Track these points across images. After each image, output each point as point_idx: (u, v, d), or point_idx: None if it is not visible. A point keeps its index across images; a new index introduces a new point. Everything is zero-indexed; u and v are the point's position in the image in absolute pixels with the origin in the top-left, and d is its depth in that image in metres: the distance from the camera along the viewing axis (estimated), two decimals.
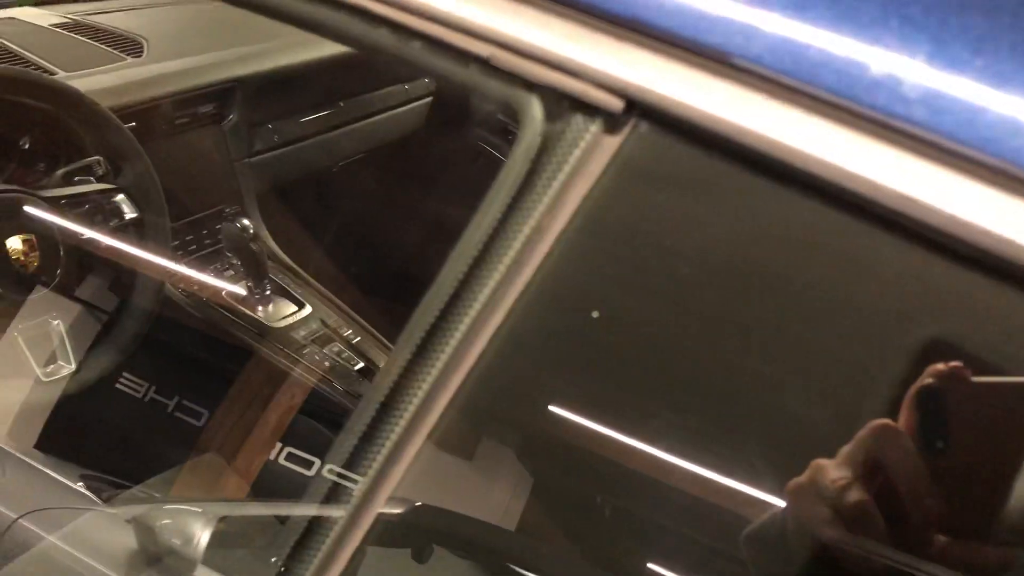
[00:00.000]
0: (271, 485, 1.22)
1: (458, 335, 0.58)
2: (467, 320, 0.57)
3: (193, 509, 1.08)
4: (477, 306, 0.57)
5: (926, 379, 0.54)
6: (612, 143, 0.53)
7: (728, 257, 0.58)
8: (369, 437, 0.63)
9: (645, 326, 0.64)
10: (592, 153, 0.53)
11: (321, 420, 1.29)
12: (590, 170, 0.53)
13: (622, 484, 0.69)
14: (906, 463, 0.54)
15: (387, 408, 0.61)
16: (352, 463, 0.64)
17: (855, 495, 0.54)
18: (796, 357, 0.60)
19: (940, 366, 0.53)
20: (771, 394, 0.61)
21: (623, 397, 0.66)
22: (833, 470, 0.55)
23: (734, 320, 0.60)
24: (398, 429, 0.61)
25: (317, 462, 1.25)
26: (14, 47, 1.41)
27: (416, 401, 0.59)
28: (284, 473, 1.23)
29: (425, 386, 0.59)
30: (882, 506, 0.54)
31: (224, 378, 1.30)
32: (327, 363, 1.44)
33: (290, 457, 1.26)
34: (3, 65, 1.31)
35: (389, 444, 0.60)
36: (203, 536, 1.05)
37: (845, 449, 0.55)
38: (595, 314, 0.61)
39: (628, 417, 0.65)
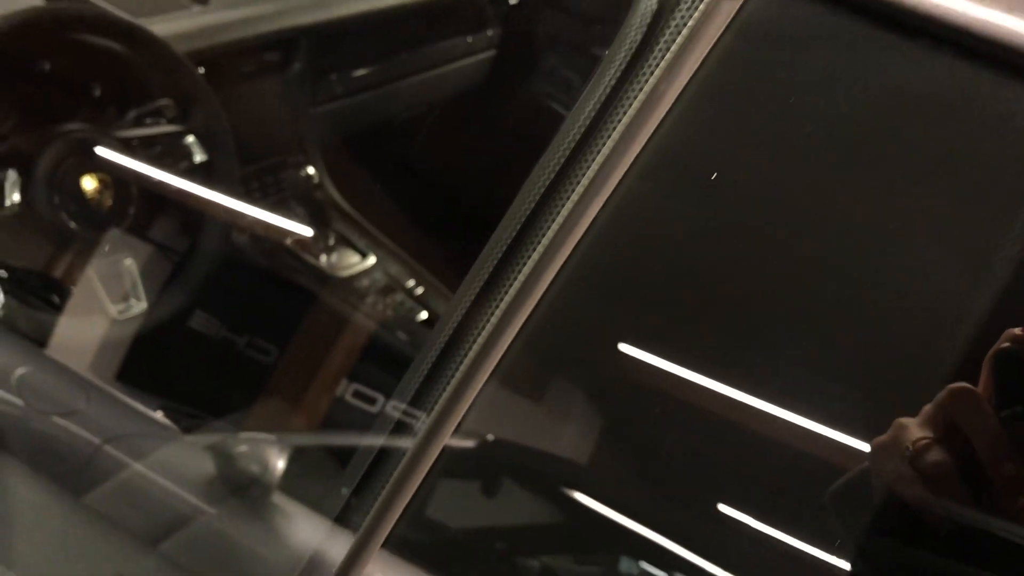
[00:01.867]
0: (339, 421, 1.23)
1: (536, 254, 0.57)
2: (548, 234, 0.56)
3: (269, 438, 1.10)
4: (561, 214, 0.56)
5: (1003, 343, 0.54)
6: (731, 5, 0.52)
7: (858, 122, 0.56)
8: (437, 371, 0.62)
9: (746, 236, 0.62)
10: (710, 16, 0.52)
11: (384, 366, 1.30)
12: (708, 33, 0.52)
13: (698, 426, 0.68)
14: (984, 428, 0.54)
15: (455, 341, 0.61)
16: (419, 398, 0.64)
17: (935, 456, 0.54)
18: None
19: (1017, 330, 0.53)
20: (876, 326, 0.60)
21: (707, 330, 0.65)
22: (915, 430, 0.55)
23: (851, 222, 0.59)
24: (466, 362, 0.61)
25: (381, 399, 1.26)
26: None
27: (485, 332, 0.59)
28: (351, 409, 1.24)
29: (496, 314, 0.59)
30: (962, 468, 0.54)
31: (290, 319, 1.31)
32: (390, 312, 1.45)
33: (356, 394, 1.26)
34: (75, 3, 1.33)
35: (456, 378, 0.60)
36: (279, 463, 1.06)
37: (927, 408, 0.56)
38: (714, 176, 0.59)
39: (710, 354, 0.64)
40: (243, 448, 1.08)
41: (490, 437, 1.03)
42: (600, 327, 0.67)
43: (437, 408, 0.62)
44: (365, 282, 1.48)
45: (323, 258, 1.48)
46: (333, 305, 1.38)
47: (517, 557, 0.85)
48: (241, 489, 1.05)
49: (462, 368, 0.61)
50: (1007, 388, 0.54)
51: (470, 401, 0.61)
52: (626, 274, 0.67)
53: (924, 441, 0.55)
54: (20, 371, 1.14)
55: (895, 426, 0.56)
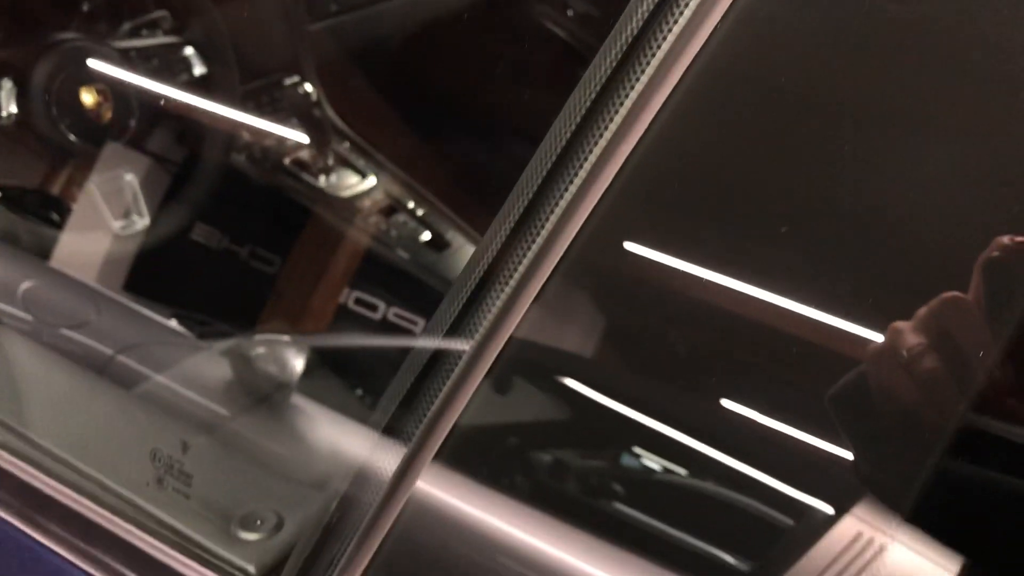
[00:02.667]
0: (343, 328, 1.23)
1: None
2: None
3: (285, 339, 1.09)
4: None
5: (992, 252, 0.54)
6: None
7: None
8: (480, 291, 0.61)
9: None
10: None
11: (385, 281, 1.30)
12: None
13: (704, 320, 0.68)
14: (975, 335, 0.55)
15: (497, 265, 0.60)
16: (466, 311, 0.63)
17: (929, 363, 0.55)
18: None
19: (1006, 239, 0.53)
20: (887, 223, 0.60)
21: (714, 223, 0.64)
22: (909, 336, 0.56)
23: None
24: (507, 288, 0.60)
25: (383, 305, 1.26)
26: None
27: (532, 251, 0.58)
28: (354, 317, 1.24)
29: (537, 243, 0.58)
30: (955, 374, 0.55)
31: (291, 231, 1.31)
32: (393, 232, 1.43)
33: (358, 302, 1.26)
34: None
35: (504, 295, 0.59)
36: (298, 364, 1.05)
37: (921, 313, 0.56)
38: None
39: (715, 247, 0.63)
40: (260, 350, 1.07)
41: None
42: (609, 227, 0.66)
43: (489, 319, 0.60)
44: (366, 202, 1.46)
45: (322, 178, 1.47)
46: (333, 220, 1.36)
47: (528, 452, 0.86)
48: (258, 391, 1.04)
49: (510, 286, 0.60)
50: (996, 295, 0.55)
51: (518, 318, 0.60)
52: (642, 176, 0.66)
53: (918, 348, 0.55)
54: (25, 285, 1.12)
55: (890, 331, 0.57)
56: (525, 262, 0.59)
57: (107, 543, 0.60)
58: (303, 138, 1.38)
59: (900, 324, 0.56)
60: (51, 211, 1.21)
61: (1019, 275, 0.53)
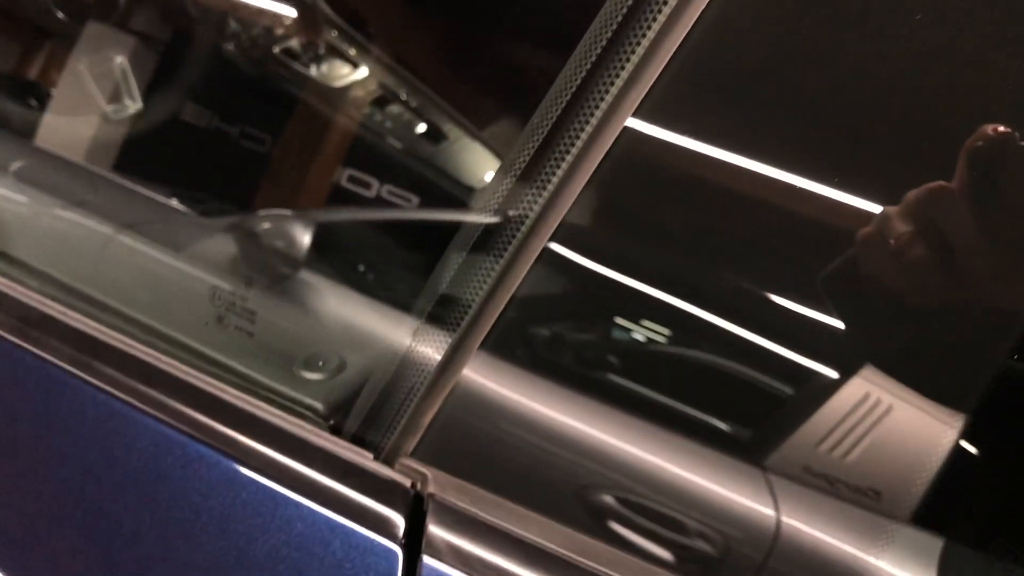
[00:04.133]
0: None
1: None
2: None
3: (290, 214, 1.06)
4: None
5: (976, 141, 0.54)
6: None
7: None
8: (531, 172, 0.59)
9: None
10: None
11: (378, 163, 1.27)
12: None
13: (700, 196, 0.66)
14: (959, 224, 0.56)
15: (549, 144, 0.57)
16: (512, 200, 0.61)
17: (916, 251, 0.57)
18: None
19: (990, 129, 0.54)
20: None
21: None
22: (897, 222, 0.57)
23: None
24: (564, 166, 0.57)
25: (376, 183, 1.24)
26: None
27: (583, 137, 0.56)
28: (348, 194, 1.22)
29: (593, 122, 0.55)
30: (940, 261, 0.56)
31: (282, 114, 1.27)
32: (388, 123, 1.40)
33: (351, 179, 1.24)
34: None
35: (554, 182, 0.56)
36: (305, 238, 1.03)
37: (909, 198, 0.57)
38: None
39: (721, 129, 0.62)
40: (266, 225, 1.04)
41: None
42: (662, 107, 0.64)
43: (536, 210, 0.58)
44: (359, 92, 1.42)
45: (313, 68, 1.42)
46: (325, 106, 1.33)
47: (526, 326, 0.86)
48: (265, 268, 1.01)
49: (562, 168, 0.58)
50: (979, 183, 0.55)
51: (570, 203, 0.58)
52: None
53: (905, 236, 0.57)
54: (17, 165, 1.08)
55: (879, 217, 0.58)
56: (579, 141, 0.57)
57: (169, 386, 0.59)
58: (290, 12, 1.33)
59: (888, 210, 0.57)
60: (29, 95, 1.16)
61: (1002, 165, 0.54)
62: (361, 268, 0.97)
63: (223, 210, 1.07)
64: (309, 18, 1.41)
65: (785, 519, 0.61)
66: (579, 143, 0.58)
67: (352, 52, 1.48)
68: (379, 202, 1.24)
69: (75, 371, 0.62)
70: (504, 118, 1.40)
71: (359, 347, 0.69)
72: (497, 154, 1.39)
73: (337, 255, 0.99)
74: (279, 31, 1.44)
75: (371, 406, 0.58)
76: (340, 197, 1.20)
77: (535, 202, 0.58)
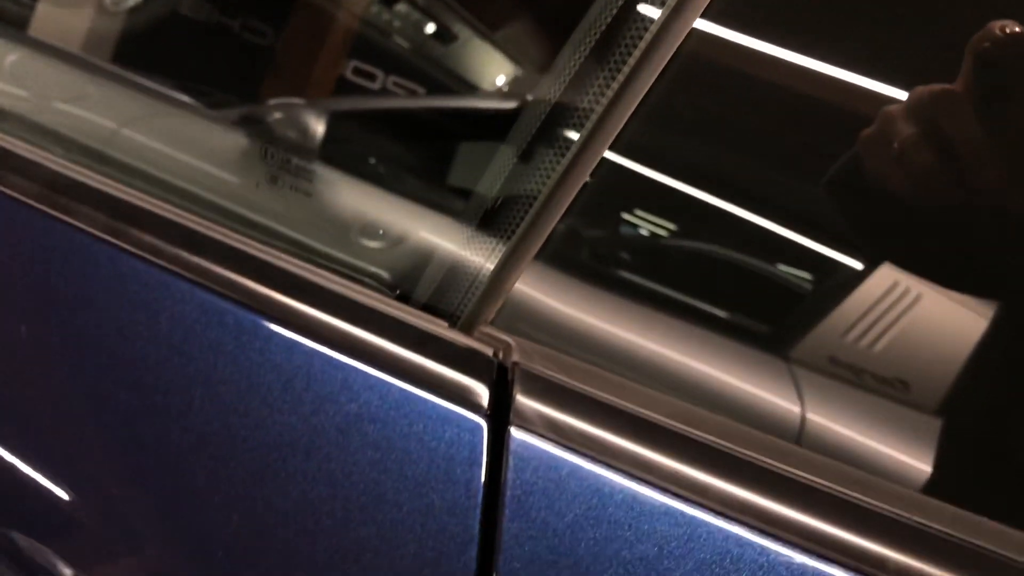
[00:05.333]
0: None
1: None
2: None
3: (302, 103, 1.04)
4: None
5: (983, 41, 0.52)
6: None
7: None
8: (584, 77, 0.57)
9: None
10: None
11: (386, 57, 1.25)
12: None
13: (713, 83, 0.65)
14: (964, 126, 0.54)
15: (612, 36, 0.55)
16: (566, 106, 0.59)
17: (919, 155, 0.55)
18: None
19: (997, 28, 0.52)
20: None
21: None
22: (901, 123, 0.56)
23: None
24: (629, 64, 0.55)
25: (381, 74, 1.22)
26: None
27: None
28: (353, 86, 1.21)
29: None
30: (944, 163, 0.55)
31: (284, 6, 1.24)
32: (396, 22, 1.37)
33: (356, 71, 1.22)
34: None
35: (615, 86, 0.54)
36: (319, 128, 1.02)
37: (912, 98, 0.55)
38: None
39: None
40: (277, 115, 1.03)
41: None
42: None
43: (594, 117, 0.55)
44: None
45: None
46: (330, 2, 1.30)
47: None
48: (276, 160, 1.01)
49: (624, 71, 0.54)
50: (983, 83, 0.54)
51: (632, 108, 0.55)
52: None
53: (909, 139, 0.55)
54: (11, 58, 1.04)
55: (881, 117, 0.56)
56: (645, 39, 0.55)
57: (217, 253, 0.57)
58: None
59: (891, 110, 0.56)
60: None
61: (1009, 66, 0.53)
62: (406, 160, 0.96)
63: (229, 102, 1.05)
64: None
65: (810, 415, 0.60)
66: (644, 41, 0.56)
67: None
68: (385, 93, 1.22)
69: (112, 239, 0.58)
70: (518, 19, 1.38)
71: (419, 216, 0.68)
72: (509, 56, 1.37)
73: (382, 147, 0.98)
74: None
75: (445, 272, 0.56)
76: (347, 89, 1.18)
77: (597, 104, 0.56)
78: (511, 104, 0.91)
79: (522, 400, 0.47)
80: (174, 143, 0.85)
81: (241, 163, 0.81)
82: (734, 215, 0.62)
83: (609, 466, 0.46)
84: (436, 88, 1.27)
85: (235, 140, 1.00)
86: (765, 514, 0.46)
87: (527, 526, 0.45)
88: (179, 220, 0.59)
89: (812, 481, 0.48)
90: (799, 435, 0.57)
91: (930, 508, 0.49)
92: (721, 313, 0.63)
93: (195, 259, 0.56)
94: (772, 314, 0.64)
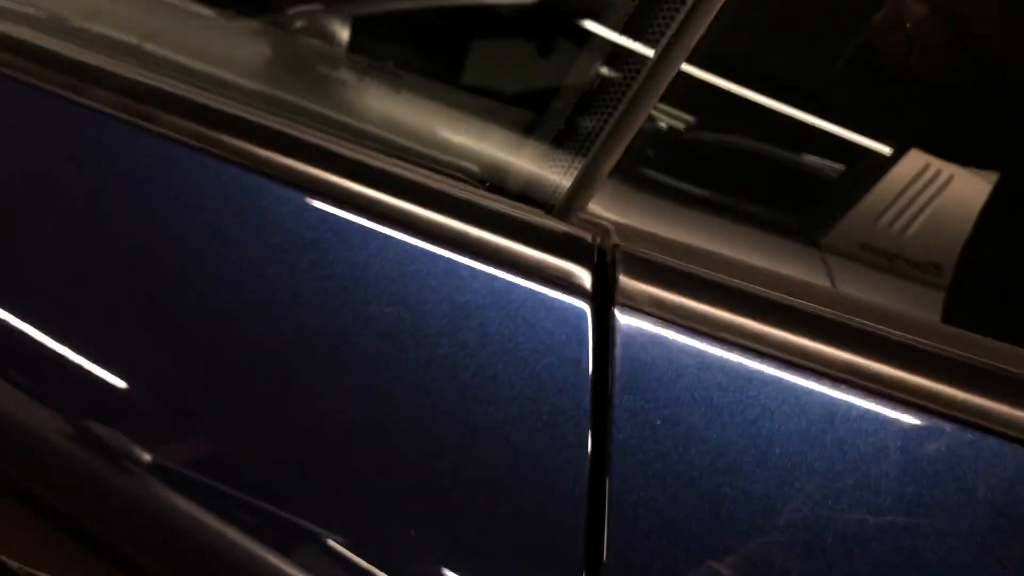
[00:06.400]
0: None
1: None
2: None
3: (323, 8, 1.02)
4: None
5: None
6: None
7: None
8: None
9: None
10: None
11: None
12: None
13: None
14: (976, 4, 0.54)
15: None
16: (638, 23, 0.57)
17: (931, 34, 0.55)
18: None
19: None
20: None
21: None
22: (912, 5, 0.55)
23: None
24: None
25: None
26: None
27: None
28: None
29: None
30: (957, 40, 0.55)
31: None
32: None
33: None
34: None
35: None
36: (344, 33, 0.99)
37: None
38: None
39: None
40: (300, 23, 1.00)
41: None
42: None
43: (668, 33, 0.54)
44: None
45: None
46: None
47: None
48: (301, 67, 0.99)
49: None
50: None
51: (707, 23, 0.53)
52: None
53: (922, 18, 0.55)
54: None
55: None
56: None
57: (309, 154, 0.56)
58: None
59: None
60: None
61: None
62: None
63: (247, 12, 1.02)
64: None
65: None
66: None
67: None
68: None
69: (201, 146, 0.58)
70: None
71: (500, 111, 0.67)
72: None
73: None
74: None
75: (536, 162, 0.57)
76: None
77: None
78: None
79: (625, 280, 0.48)
80: (222, 57, 0.84)
81: (295, 67, 0.79)
82: (760, 105, 0.62)
83: (713, 338, 0.47)
84: None
85: (266, 49, 0.98)
86: (864, 371, 0.47)
87: (638, 398, 0.47)
88: (269, 123, 0.59)
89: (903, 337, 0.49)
90: None
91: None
92: (753, 206, 0.63)
93: (289, 162, 0.55)
94: (804, 203, 0.64)
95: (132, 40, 0.98)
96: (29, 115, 0.65)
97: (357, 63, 0.71)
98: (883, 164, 0.62)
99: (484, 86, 0.81)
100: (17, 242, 0.60)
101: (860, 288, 0.59)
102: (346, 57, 0.89)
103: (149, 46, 0.98)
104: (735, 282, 0.50)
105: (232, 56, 0.91)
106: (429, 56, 1.07)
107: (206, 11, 1.03)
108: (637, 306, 0.47)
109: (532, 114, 0.61)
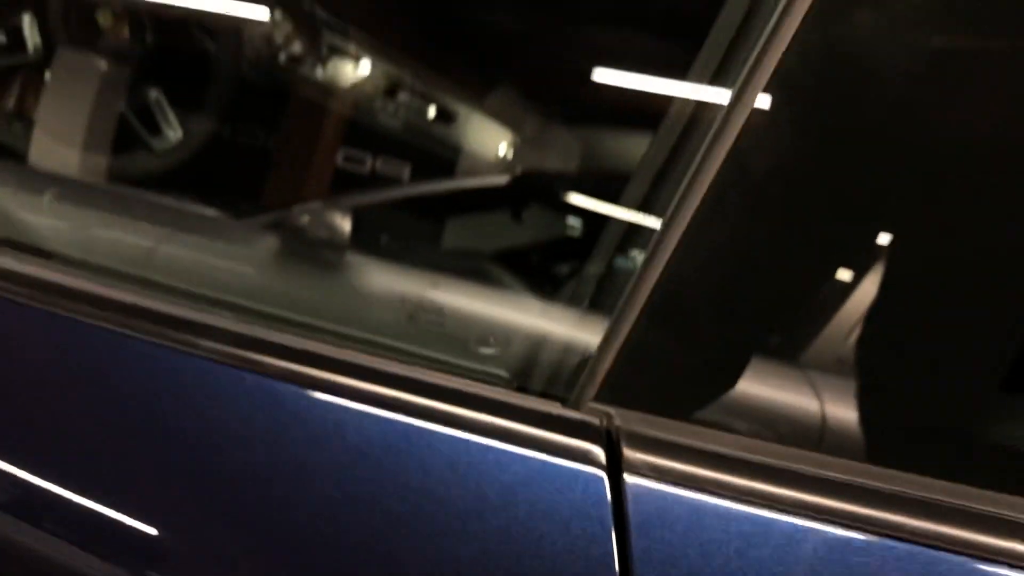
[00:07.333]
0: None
1: None
2: None
3: (324, 205, 1.08)
4: None
5: None
6: None
7: None
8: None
9: None
10: None
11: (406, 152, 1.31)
12: None
13: None
14: None
15: None
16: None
17: None
18: None
19: None
20: None
21: None
22: None
23: None
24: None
25: (369, 157, 1.27)
26: None
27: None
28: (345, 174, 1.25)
29: None
30: None
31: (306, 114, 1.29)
32: (401, 112, 1.42)
33: (347, 158, 1.29)
34: None
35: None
36: (346, 224, 1.04)
37: None
38: None
39: None
40: (305, 219, 1.05)
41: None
42: None
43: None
44: (368, 88, 1.44)
45: (319, 71, 1.44)
46: (338, 104, 1.35)
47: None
48: (311, 257, 1.03)
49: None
50: None
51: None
52: None
53: None
54: (49, 194, 1.09)
55: None
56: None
57: (364, 375, 0.66)
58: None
59: None
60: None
61: None
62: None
63: (254, 211, 1.08)
64: (309, 23, 1.43)
65: (828, 408, 0.70)
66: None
67: (353, 48, 1.50)
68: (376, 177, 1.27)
69: (245, 367, 0.68)
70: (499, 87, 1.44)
71: (518, 323, 0.82)
72: (505, 125, 1.41)
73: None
74: (279, 40, 1.45)
75: (552, 365, 0.71)
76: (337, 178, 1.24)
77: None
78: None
79: (629, 453, 0.61)
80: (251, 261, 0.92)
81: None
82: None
83: (703, 490, 0.59)
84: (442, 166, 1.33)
85: (267, 247, 1.02)
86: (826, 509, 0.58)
87: (648, 539, 0.59)
88: (312, 349, 0.69)
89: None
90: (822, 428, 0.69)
91: None
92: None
93: (339, 379, 0.66)
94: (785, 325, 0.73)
95: (147, 243, 1.03)
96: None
97: (404, 305, 0.84)
98: (848, 287, 0.70)
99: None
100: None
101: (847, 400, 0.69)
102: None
103: (163, 249, 1.03)
104: (714, 447, 0.61)
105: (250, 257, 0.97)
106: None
107: (211, 211, 1.09)
108: (641, 472, 0.60)
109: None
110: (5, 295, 0.75)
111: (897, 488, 0.58)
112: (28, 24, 1.13)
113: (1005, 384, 0.66)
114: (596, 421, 0.63)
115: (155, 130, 1.22)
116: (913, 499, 0.57)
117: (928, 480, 0.58)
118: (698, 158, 0.62)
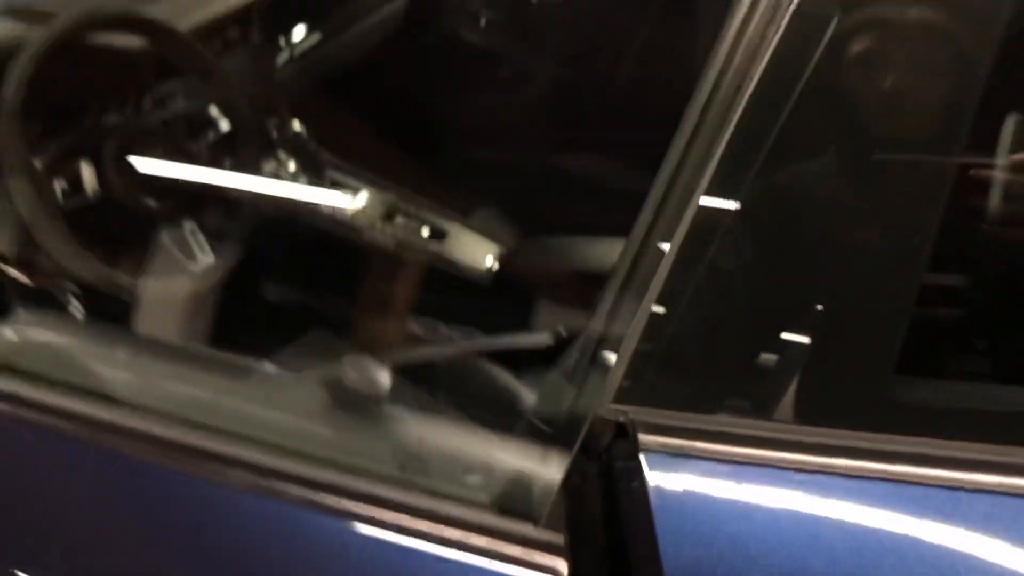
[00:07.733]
0: None
1: None
2: None
3: (365, 359, 1.24)
4: None
5: None
6: None
7: None
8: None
9: None
10: None
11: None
12: None
13: None
14: None
15: None
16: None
17: None
18: None
19: None
20: None
21: None
22: None
23: None
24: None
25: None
26: None
27: None
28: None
29: None
30: None
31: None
32: (399, 235, 1.58)
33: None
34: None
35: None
36: (385, 378, 1.21)
37: None
38: None
39: None
40: (349, 372, 1.22)
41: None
42: None
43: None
44: (367, 214, 1.60)
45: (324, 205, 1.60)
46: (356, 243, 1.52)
47: None
48: (353, 407, 1.19)
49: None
50: None
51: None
52: None
53: None
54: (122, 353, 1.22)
55: None
56: None
57: (360, 497, 0.83)
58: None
59: None
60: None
61: None
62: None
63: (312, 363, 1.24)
64: (314, 160, 1.60)
65: None
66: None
67: (350, 180, 1.65)
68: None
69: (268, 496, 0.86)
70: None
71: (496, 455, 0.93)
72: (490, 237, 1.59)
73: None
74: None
75: (521, 492, 0.84)
76: None
77: None
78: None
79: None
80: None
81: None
82: None
83: None
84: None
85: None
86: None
87: None
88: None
89: None
90: None
91: None
92: None
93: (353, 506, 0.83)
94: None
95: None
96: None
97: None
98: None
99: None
100: None
101: None
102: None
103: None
104: None
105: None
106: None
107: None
108: None
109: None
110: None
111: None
112: (87, 171, 1.27)
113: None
114: (557, 539, 0.76)
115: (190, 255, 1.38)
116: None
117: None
118: None
